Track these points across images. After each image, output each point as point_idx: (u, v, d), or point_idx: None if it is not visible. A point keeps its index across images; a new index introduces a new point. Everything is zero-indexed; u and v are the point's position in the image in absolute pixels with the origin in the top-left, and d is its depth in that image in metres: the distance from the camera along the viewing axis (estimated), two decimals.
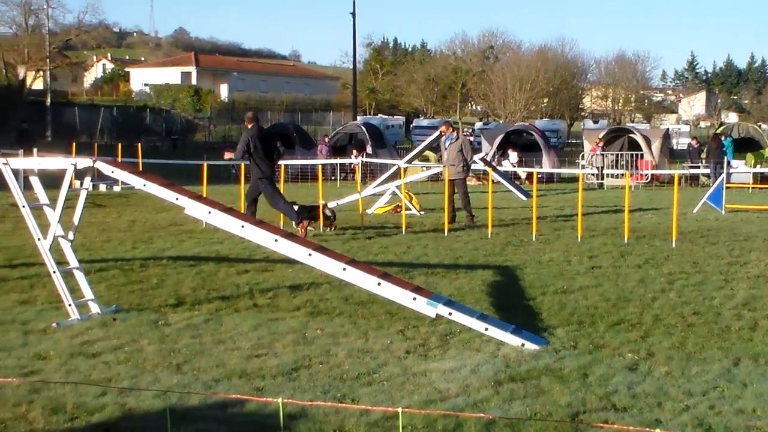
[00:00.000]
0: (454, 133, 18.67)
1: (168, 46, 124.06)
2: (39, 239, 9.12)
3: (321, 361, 7.35)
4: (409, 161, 22.73)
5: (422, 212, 19.93)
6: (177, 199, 9.05)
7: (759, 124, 60.25)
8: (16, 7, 65.15)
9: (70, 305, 8.84)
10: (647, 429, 5.59)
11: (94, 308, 9.12)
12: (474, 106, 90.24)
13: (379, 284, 8.18)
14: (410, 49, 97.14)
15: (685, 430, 5.81)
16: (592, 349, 7.77)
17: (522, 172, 32.36)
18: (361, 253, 13.31)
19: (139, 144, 31.67)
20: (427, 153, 30.54)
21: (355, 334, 8.32)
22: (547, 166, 33.65)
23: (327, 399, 6.35)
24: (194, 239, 15.02)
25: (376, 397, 6.43)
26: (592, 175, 32.39)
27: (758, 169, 31.86)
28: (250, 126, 15.59)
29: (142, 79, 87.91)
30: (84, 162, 9.35)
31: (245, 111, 72.12)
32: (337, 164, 32.57)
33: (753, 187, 27.96)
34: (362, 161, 27.62)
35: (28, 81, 65.11)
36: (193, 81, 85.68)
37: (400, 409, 4.68)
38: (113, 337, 8.11)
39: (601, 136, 35.02)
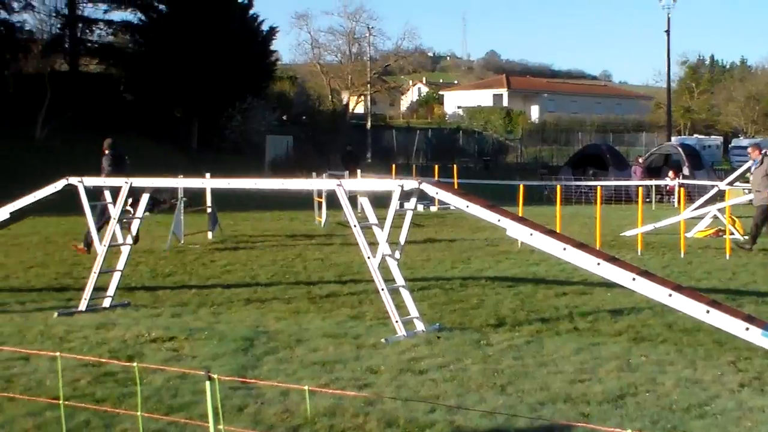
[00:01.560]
0: (759, 157, 17.60)
1: (480, 69, 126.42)
2: (369, 257, 9.56)
3: (648, 390, 7.15)
4: (731, 183, 21.68)
5: (746, 237, 18.92)
6: (499, 220, 9.18)
7: None
8: (342, 37, 69.21)
9: (396, 322, 9.19)
10: None
11: (419, 326, 9.42)
12: None
13: (707, 312, 7.86)
14: (728, 66, 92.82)
15: None
16: None
17: None
18: (682, 278, 12.85)
19: (454, 165, 32.41)
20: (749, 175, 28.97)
21: (682, 362, 8.04)
22: None
23: (657, 430, 6.18)
24: (511, 260, 15.17)
25: (710, 431, 6.17)
26: None
27: None
28: (108, 151, 16.42)
29: (455, 101, 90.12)
30: (410, 183, 9.70)
31: (555, 132, 72.26)
32: (652, 186, 31.69)
33: None
34: (679, 183, 26.72)
35: (351, 105, 68.73)
36: (504, 103, 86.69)
37: None
38: (438, 355, 8.32)
39: None
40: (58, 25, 48.86)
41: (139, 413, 5.02)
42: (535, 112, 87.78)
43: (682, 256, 15.79)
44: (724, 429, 6.21)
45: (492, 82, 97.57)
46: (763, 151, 17.66)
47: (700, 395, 7.00)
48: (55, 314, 9.98)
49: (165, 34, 46.62)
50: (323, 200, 20.96)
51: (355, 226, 9.78)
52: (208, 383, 4.78)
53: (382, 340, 8.86)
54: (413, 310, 9.53)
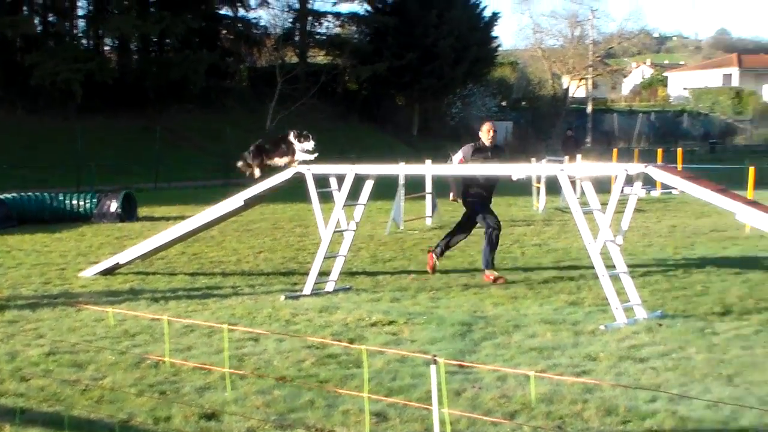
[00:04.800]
0: None
1: (708, 49, 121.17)
2: (590, 243, 9.41)
3: None
4: None
5: None
6: (731, 205, 8.84)
7: None
8: (564, 20, 68.34)
9: (617, 308, 9.01)
10: None
11: (640, 313, 9.20)
12: None
13: None
14: None
15: None
16: None
17: None
18: None
19: (679, 149, 31.31)
20: None
21: None
22: None
23: None
24: (738, 246, 14.53)
25: None
26: None
27: None
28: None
29: (680, 83, 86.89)
30: (635, 168, 9.48)
31: None
32: None
33: None
34: None
35: (572, 90, 67.76)
36: (734, 83, 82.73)
37: None
38: (659, 343, 8.10)
39: None
40: (290, 20, 50.89)
41: (365, 394, 5.18)
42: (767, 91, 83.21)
43: None
44: None
45: (721, 61, 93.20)
46: None
47: None
48: (282, 297, 10.42)
49: (389, 23, 47.61)
50: (542, 185, 20.79)
51: (577, 211, 9.65)
52: (433, 367, 4.87)
53: (601, 326, 8.71)
54: (634, 297, 9.32)
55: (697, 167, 30.05)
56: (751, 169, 17.93)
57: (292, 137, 11.67)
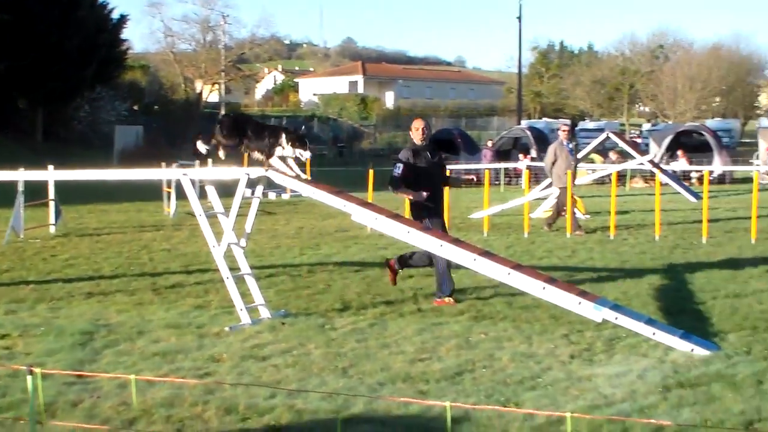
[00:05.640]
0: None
1: (336, 56, 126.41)
2: (213, 246, 9.48)
3: (485, 366, 7.36)
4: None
5: (587, 216, 19.61)
6: (345, 206, 9.26)
7: None
8: (196, 25, 68.21)
9: (241, 310, 9.15)
10: None
11: (264, 313, 9.40)
12: (642, 107, 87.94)
13: (543, 288, 8.12)
14: (577, 52, 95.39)
15: None
16: None
17: (695, 172, 31.36)
18: (525, 258, 13.23)
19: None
20: (593, 156, 30.03)
21: (519, 338, 8.29)
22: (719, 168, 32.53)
23: (491, 403, 6.36)
24: (359, 245, 15.27)
25: (540, 401, 6.39)
26: None
27: None
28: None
29: (311, 89, 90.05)
30: (257, 171, 9.65)
31: (410, 118, 72.96)
32: (501, 169, 32.43)
33: None
34: (527, 165, 27.40)
35: (205, 94, 67.82)
36: (360, 90, 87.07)
37: (568, 414, 4.63)
38: (282, 341, 8.33)
39: None
40: None
41: None
42: (390, 98, 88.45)
43: (526, 236, 16.24)
44: (554, 399, 6.45)
45: (348, 69, 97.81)
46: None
47: (533, 368, 7.25)
48: None
49: (4, 20, 44.83)
50: (172, 190, 20.63)
51: (200, 215, 9.69)
52: (29, 378, 4.66)
53: (226, 328, 8.81)
54: (258, 298, 9.51)
55: (326, 170, 31.31)
56: (371, 172, 18.89)
57: (283, 140, 9.60)
